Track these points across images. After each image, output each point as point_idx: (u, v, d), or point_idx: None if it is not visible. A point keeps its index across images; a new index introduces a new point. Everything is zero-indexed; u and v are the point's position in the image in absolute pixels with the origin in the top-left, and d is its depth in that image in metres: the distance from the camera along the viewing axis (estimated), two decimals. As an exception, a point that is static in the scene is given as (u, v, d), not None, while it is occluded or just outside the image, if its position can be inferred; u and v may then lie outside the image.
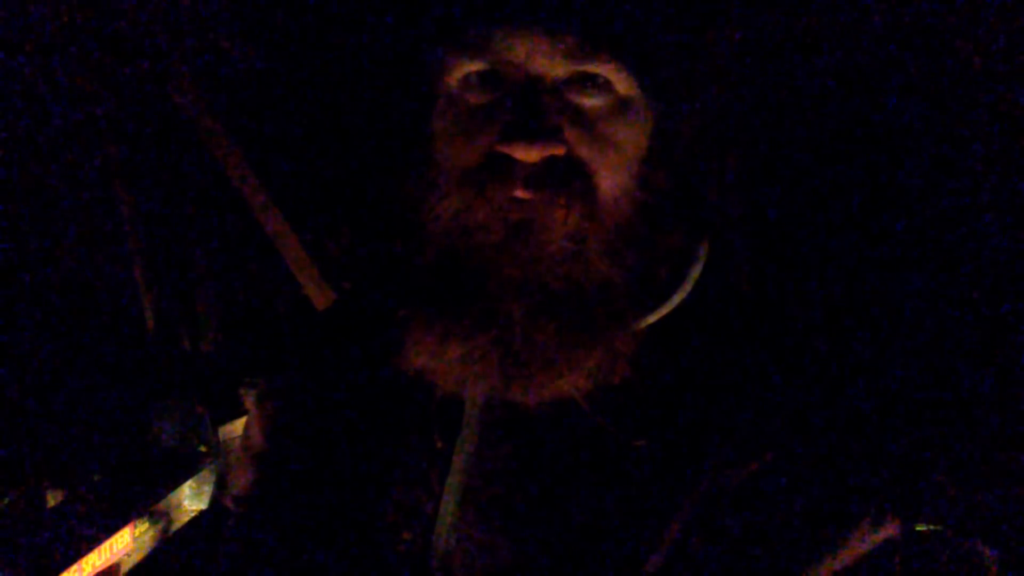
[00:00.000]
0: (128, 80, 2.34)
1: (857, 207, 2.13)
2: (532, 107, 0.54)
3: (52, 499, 2.00)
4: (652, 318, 0.60)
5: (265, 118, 2.36)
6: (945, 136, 2.02)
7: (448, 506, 0.63)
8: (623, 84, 0.55)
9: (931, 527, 1.83)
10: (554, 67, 0.54)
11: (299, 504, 0.69)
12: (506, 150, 0.53)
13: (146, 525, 1.95)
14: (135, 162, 2.45)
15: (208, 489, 2.29)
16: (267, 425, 0.76)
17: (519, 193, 0.53)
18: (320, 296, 2.41)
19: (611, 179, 0.56)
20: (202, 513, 2.24)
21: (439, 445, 0.64)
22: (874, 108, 2.07)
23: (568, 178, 0.55)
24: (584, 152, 0.55)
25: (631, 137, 0.57)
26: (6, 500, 1.93)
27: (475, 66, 0.55)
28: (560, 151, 0.53)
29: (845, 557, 0.60)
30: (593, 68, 0.55)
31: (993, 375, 2.01)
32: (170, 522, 2.10)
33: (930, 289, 2.10)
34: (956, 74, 1.96)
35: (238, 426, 2.57)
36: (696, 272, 0.62)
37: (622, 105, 0.56)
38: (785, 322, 0.69)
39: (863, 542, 0.61)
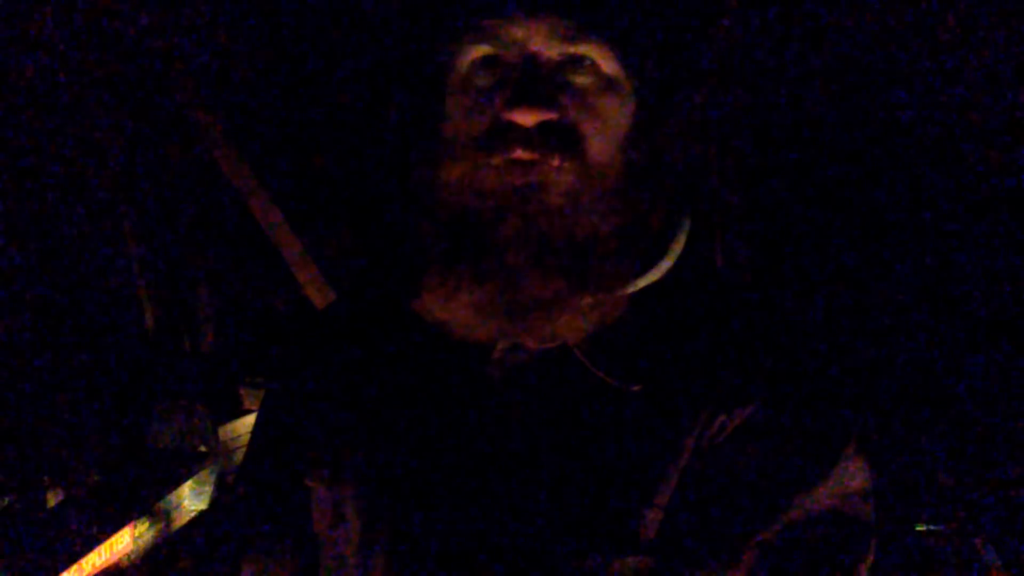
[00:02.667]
0: (129, 80, 2.34)
1: (858, 199, 2.13)
2: (532, 77, 0.62)
3: (52, 499, 2.00)
4: (641, 283, 0.66)
5: (265, 118, 2.36)
6: (944, 135, 2.03)
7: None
8: (608, 65, 0.64)
9: (931, 527, 1.84)
10: (550, 48, 0.62)
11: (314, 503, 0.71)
12: (508, 115, 0.61)
13: (146, 525, 1.96)
14: (135, 162, 2.46)
15: (208, 489, 2.29)
16: (277, 424, 0.78)
17: (519, 153, 0.60)
18: (320, 296, 2.42)
19: (599, 145, 0.64)
20: (202, 513, 2.24)
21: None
22: (874, 102, 2.07)
23: (562, 141, 0.62)
24: (575, 118, 0.64)
25: (616, 112, 0.65)
26: (6, 500, 1.93)
27: (481, 51, 0.63)
28: (554, 116, 0.62)
29: (813, 505, 0.65)
30: (583, 50, 0.63)
31: (993, 375, 2.01)
32: (170, 522, 2.10)
33: (930, 289, 2.10)
34: (956, 74, 1.96)
35: (238, 426, 2.57)
36: (680, 242, 0.68)
37: (608, 84, 0.65)
38: (773, 300, 0.74)
39: (830, 494, 0.65)
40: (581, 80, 0.64)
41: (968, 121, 1.99)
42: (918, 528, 1.84)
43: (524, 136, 0.61)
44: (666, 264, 0.69)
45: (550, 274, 0.63)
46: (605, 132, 0.64)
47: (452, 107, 0.67)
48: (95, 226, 2.52)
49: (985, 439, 1.96)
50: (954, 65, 1.94)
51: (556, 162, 0.62)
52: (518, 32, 0.61)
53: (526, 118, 0.60)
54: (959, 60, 1.93)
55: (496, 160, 0.62)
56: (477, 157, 0.63)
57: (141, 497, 2.02)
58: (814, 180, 2.14)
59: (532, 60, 0.62)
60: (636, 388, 0.66)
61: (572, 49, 0.62)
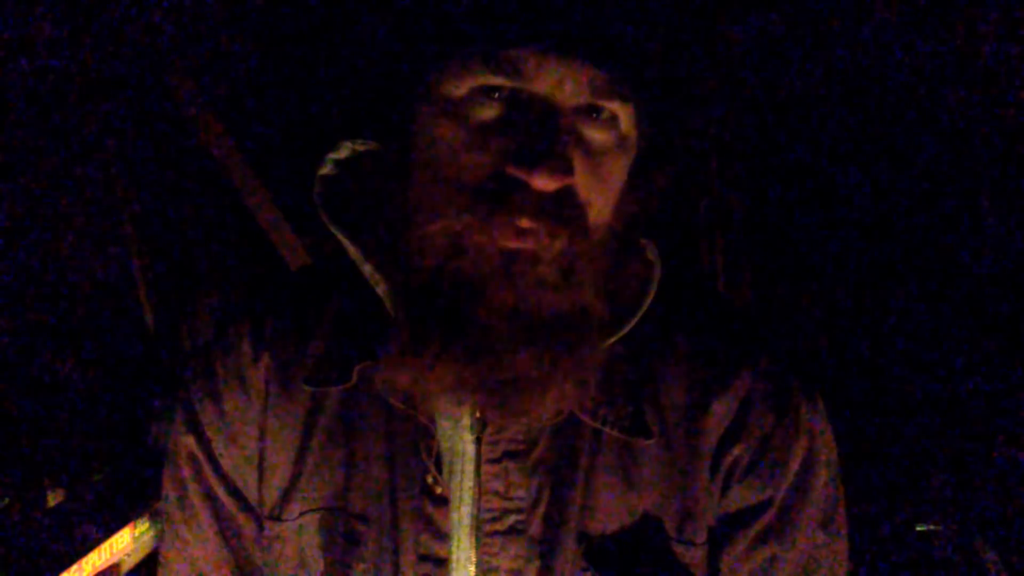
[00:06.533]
0: (129, 80, 2.34)
1: (858, 209, 2.13)
2: (554, 135, 0.53)
3: (52, 499, 2.00)
4: (614, 338, 0.63)
5: (265, 118, 2.36)
6: (945, 136, 2.02)
7: (461, 544, 0.64)
8: (626, 121, 0.56)
9: (931, 527, 1.83)
10: (575, 98, 0.54)
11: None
12: (523, 175, 0.52)
13: (146, 525, 1.95)
14: (135, 162, 2.45)
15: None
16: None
17: (524, 222, 0.53)
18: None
19: (599, 210, 0.58)
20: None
21: (438, 491, 0.64)
22: (875, 109, 2.07)
23: (569, 210, 0.54)
24: (584, 185, 0.56)
25: (621, 171, 0.59)
26: (6, 500, 1.92)
27: (494, 80, 0.54)
28: (573, 182, 0.54)
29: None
30: (607, 103, 0.55)
31: (993, 375, 2.01)
32: (170, 522, 2.09)
33: (930, 289, 2.10)
34: (956, 74, 1.96)
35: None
36: (652, 293, 0.64)
37: (621, 141, 0.57)
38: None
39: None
40: (597, 136, 0.56)
41: (969, 121, 1.99)
42: (918, 528, 1.83)
43: (535, 201, 0.53)
44: (639, 315, 0.65)
45: (538, 353, 0.57)
46: (607, 194, 0.58)
47: (432, 134, 0.57)
48: (95, 226, 2.52)
49: (985, 439, 1.95)
50: (955, 65, 1.94)
51: (563, 233, 0.55)
52: (547, 74, 0.52)
53: (547, 184, 0.52)
54: (960, 60, 1.93)
55: (493, 220, 0.53)
56: (470, 212, 0.54)
57: (141, 497, 2.01)
58: (816, 181, 2.14)
59: (554, 110, 0.53)
60: (650, 441, 0.63)
61: (596, 102, 0.54)
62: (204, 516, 0.74)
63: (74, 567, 1.70)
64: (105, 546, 1.80)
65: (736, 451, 0.66)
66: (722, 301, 0.77)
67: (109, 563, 1.81)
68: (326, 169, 0.68)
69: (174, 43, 2.28)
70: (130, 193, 2.47)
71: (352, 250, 0.65)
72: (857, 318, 2.14)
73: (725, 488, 0.66)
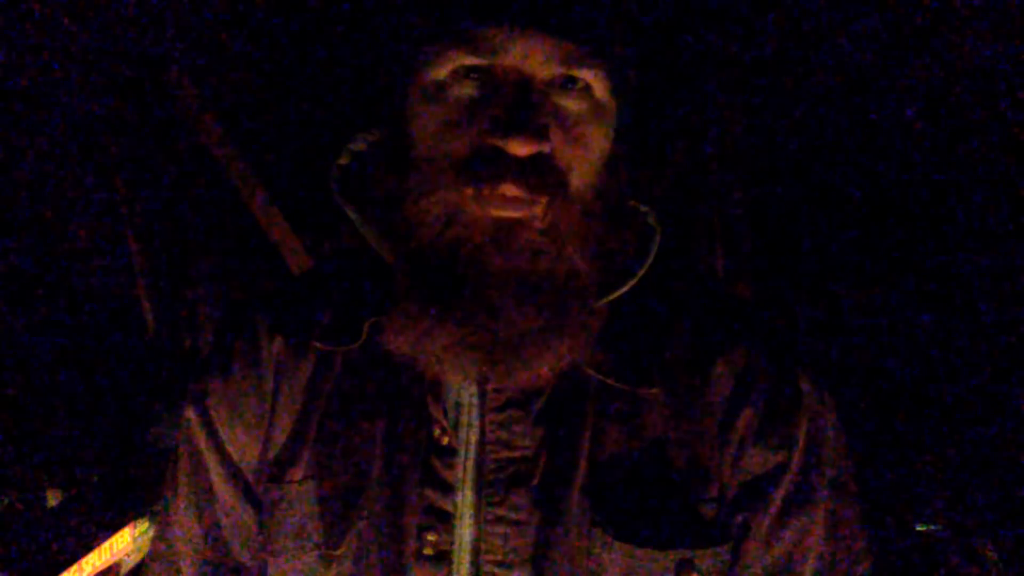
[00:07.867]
0: (128, 80, 2.34)
1: (858, 208, 2.13)
2: (527, 104, 0.57)
3: (52, 499, 2.00)
4: (615, 295, 0.65)
5: (265, 118, 2.36)
6: (945, 136, 2.03)
7: (466, 496, 0.65)
8: (600, 89, 0.60)
9: (931, 527, 1.84)
10: (546, 69, 0.58)
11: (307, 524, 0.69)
12: (500, 143, 0.56)
13: (146, 525, 1.95)
14: (135, 162, 2.45)
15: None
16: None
17: (508, 189, 0.56)
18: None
19: (580, 177, 0.61)
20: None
21: (445, 442, 0.65)
22: (874, 107, 2.07)
23: (549, 175, 0.57)
24: (562, 152, 0.59)
25: (601, 138, 0.62)
26: (6, 500, 1.93)
27: (469, 60, 0.58)
28: (548, 149, 0.57)
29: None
30: (579, 73, 0.58)
31: (993, 375, 2.01)
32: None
33: (931, 289, 2.10)
34: (956, 74, 1.96)
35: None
36: (651, 256, 0.67)
37: (597, 109, 0.60)
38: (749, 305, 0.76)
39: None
40: (572, 105, 0.60)
41: (968, 121, 1.99)
42: (918, 528, 1.84)
43: (514, 168, 0.57)
44: (633, 280, 0.68)
45: (532, 314, 0.60)
46: (588, 161, 0.62)
47: (421, 117, 0.61)
48: (95, 226, 2.52)
49: (985, 439, 1.96)
50: (954, 65, 1.94)
51: (544, 201, 0.59)
52: (515, 48, 0.56)
53: (521, 149, 0.57)
54: (959, 60, 1.93)
55: (482, 192, 0.58)
56: (459, 185, 0.59)
57: (141, 497, 2.02)
58: (816, 179, 2.14)
59: (527, 82, 0.57)
60: (654, 391, 0.65)
61: (568, 71, 0.58)
62: (184, 485, 0.76)
63: (74, 567, 1.70)
64: (105, 546, 1.80)
65: (746, 414, 0.67)
66: (721, 286, 0.80)
67: (109, 563, 1.81)
68: (344, 159, 0.71)
69: (174, 43, 2.28)
70: (130, 193, 2.47)
71: (362, 226, 0.69)
72: (857, 318, 2.15)
73: (740, 454, 0.67)
